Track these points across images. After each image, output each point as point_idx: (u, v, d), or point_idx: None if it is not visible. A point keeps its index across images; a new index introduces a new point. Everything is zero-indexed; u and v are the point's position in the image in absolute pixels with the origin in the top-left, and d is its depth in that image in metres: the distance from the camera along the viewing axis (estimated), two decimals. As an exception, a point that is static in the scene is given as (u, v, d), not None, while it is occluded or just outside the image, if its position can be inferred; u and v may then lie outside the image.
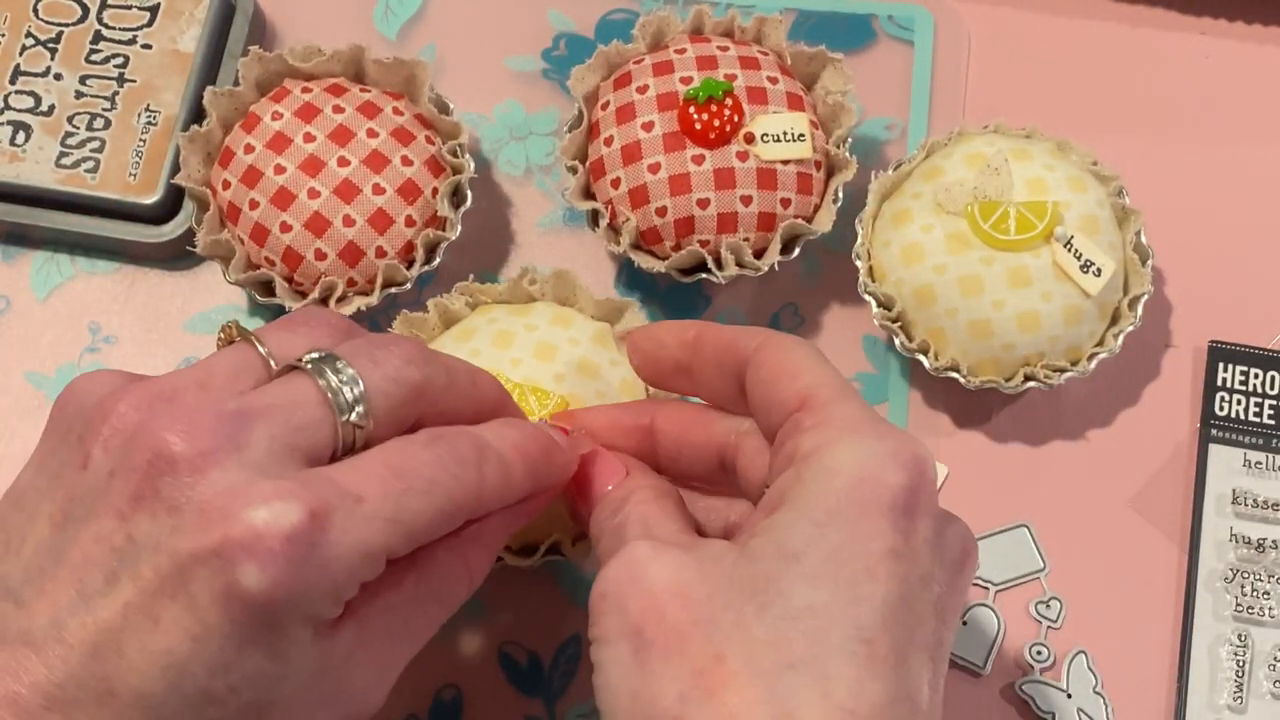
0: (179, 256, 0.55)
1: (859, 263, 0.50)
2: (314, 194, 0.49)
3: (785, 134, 0.50)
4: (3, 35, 0.56)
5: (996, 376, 0.49)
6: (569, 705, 0.49)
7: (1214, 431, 0.51)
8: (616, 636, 0.33)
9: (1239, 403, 0.52)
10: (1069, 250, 0.48)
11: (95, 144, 0.54)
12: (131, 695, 0.32)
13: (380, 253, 0.50)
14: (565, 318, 0.48)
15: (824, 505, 0.33)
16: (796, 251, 0.51)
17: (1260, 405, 0.51)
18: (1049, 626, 0.49)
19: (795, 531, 0.33)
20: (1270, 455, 0.51)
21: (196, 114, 0.54)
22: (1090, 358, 0.49)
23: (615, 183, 0.50)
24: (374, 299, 0.50)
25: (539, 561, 0.45)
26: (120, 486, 0.32)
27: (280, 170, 0.50)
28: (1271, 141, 0.57)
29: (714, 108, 0.49)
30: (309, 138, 0.50)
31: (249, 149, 0.50)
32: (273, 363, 0.35)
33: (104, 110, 0.55)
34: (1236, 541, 0.49)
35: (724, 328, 0.39)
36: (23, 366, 0.54)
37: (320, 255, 0.50)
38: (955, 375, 0.49)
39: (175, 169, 0.53)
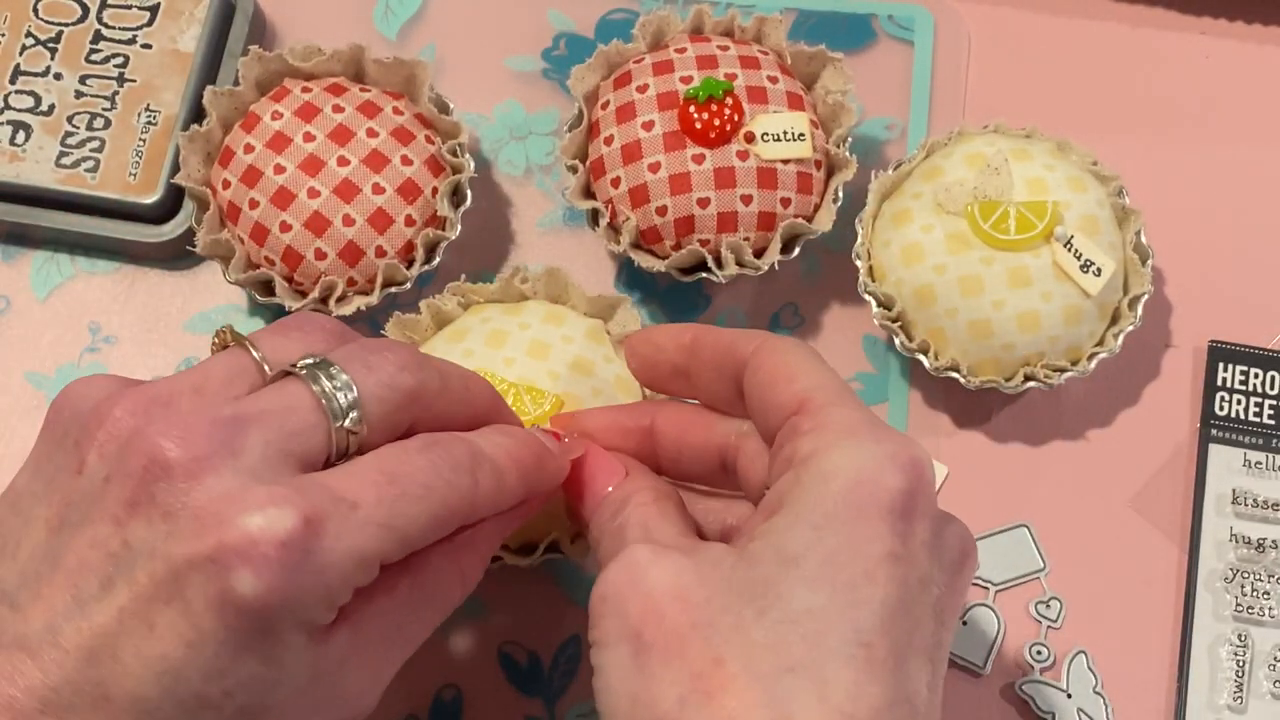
0: (179, 256, 0.55)
1: (859, 262, 0.50)
2: (314, 193, 0.49)
3: (785, 133, 0.50)
4: (3, 35, 0.56)
5: (996, 376, 0.49)
6: (569, 705, 0.49)
7: (1214, 431, 0.51)
8: (616, 639, 0.33)
9: (1239, 403, 0.52)
10: (1069, 250, 0.48)
11: (95, 144, 0.54)
12: (127, 700, 0.32)
13: (380, 252, 0.50)
14: (558, 315, 0.48)
15: (822, 509, 0.33)
16: (796, 251, 0.51)
17: (1260, 405, 0.51)
18: (1049, 626, 0.49)
19: (794, 535, 0.33)
20: (1270, 455, 0.51)
21: (196, 114, 0.54)
22: (1090, 358, 0.49)
23: (615, 182, 0.50)
24: (374, 298, 0.50)
25: (538, 560, 0.45)
26: (116, 492, 0.32)
27: (280, 170, 0.50)
28: (1271, 141, 0.57)
29: (714, 107, 0.49)
30: (309, 137, 0.50)
31: (249, 149, 0.50)
32: (267, 368, 0.36)
33: (104, 110, 0.55)
34: (1236, 541, 0.49)
35: (721, 331, 0.40)
36: (23, 366, 0.54)
37: (320, 255, 0.50)
38: (955, 375, 0.49)
39: (175, 169, 0.53)
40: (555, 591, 0.50)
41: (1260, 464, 0.51)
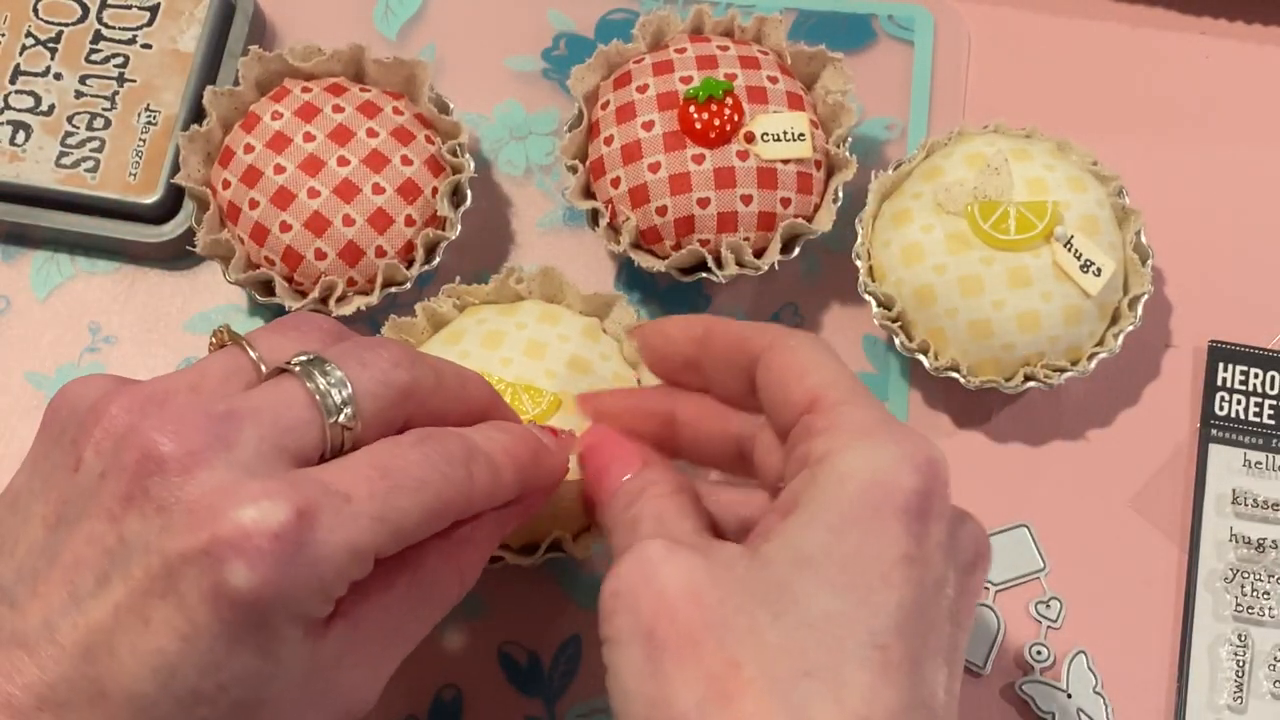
0: (179, 256, 0.55)
1: (859, 262, 0.50)
2: (314, 193, 0.49)
3: (785, 133, 0.50)
4: (3, 35, 0.56)
5: (996, 376, 0.49)
6: (569, 705, 0.49)
7: (1214, 431, 0.51)
8: (629, 638, 0.33)
9: (1239, 403, 0.52)
10: (1069, 250, 0.48)
11: (95, 144, 0.54)
12: (123, 696, 0.32)
13: (380, 252, 0.50)
14: (553, 315, 0.48)
15: (838, 510, 0.33)
16: (796, 251, 0.51)
17: (1260, 405, 0.51)
18: (1049, 626, 0.49)
19: (809, 536, 0.33)
20: (1270, 455, 0.51)
21: (196, 114, 0.54)
22: (1090, 358, 0.49)
23: (615, 182, 0.50)
24: (374, 298, 0.50)
25: (540, 560, 0.45)
26: (111, 487, 0.33)
27: (280, 170, 0.50)
28: (1271, 141, 0.57)
29: (714, 107, 0.49)
30: (309, 137, 0.50)
31: (249, 149, 0.50)
32: (263, 366, 0.36)
33: (104, 110, 0.55)
34: (1236, 541, 0.49)
35: (732, 324, 0.39)
36: (23, 366, 0.54)
37: (320, 255, 0.50)
38: (955, 375, 0.49)
39: (175, 169, 0.53)
40: (556, 591, 0.50)
41: (1260, 464, 0.51)
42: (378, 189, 0.50)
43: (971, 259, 0.48)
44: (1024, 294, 0.48)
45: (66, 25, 0.56)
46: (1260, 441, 0.51)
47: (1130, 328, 0.49)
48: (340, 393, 0.34)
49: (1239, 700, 0.47)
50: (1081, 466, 0.51)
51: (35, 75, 0.55)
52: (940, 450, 0.34)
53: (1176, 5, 0.59)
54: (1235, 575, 0.49)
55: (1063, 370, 0.49)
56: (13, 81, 0.55)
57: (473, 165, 0.52)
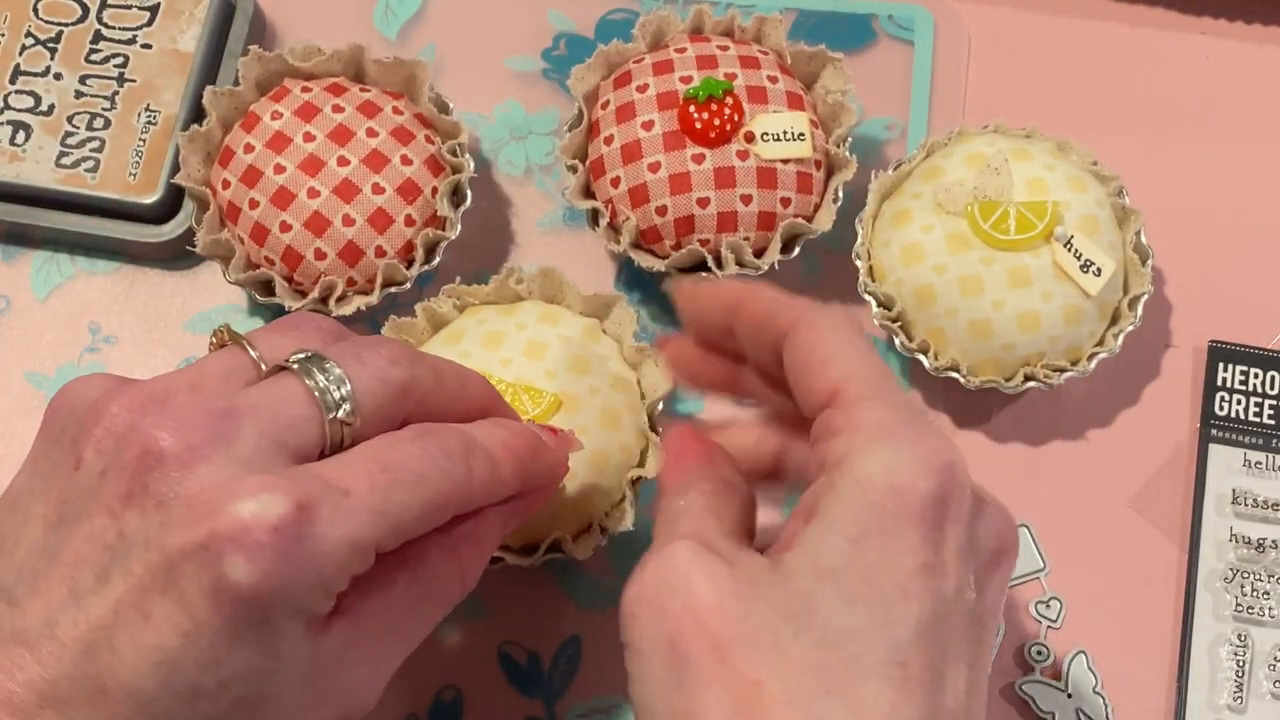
0: (179, 256, 0.55)
1: (859, 262, 0.50)
2: (314, 193, 0.49)
3: (785, 133, 0.50)
4: (3, 35, 0.56)
5: (996, 376, 0.49)
6: (569, 705, 0.48)
7: (1214, 431, 0.51)
8: (651, 647, 0.33)
9: (1239, 403, 0.51)
10: (1069, 250, 0.48)
11: (95, 144, 0.54)
12: (124, 692, 0.32)
13: (380, 252, 0.50)
14: (553, 315, 0.48)
15: (857, 520, 0.33)
16: (796, 251, 0.51)
17: (1260, 405, 0.51)
18: (1049, 626, 0.49)
19: (830, 547, 0.33)
20: (1270, 455, 0.51)
21: (196, 113, 0.54)
22: (1090, 358, 0.49)
23: (615, 182, 0.50)
24: (374, 298, 0.50)
25: (540, 560, 0.45)
26: (111, 485, 0.33)
27: (280, 170, 0.50)
28: (1271, 141, 0.57)
29: (714, 107, 0.49)
30: (309, 137, 0.50)
31: (249, 148, 0.50)
32: (262, 365, 0.36)
33: (104, 110, 0.55)
34: (1236, 541, 0.49)
35: (765, 294, 0.39)
36: (23, 366, 0.54)
37: (320, 255, 0.49)
38: (955, 375, 0.49)
39: (175, 169, 0.53)
40: (556, 591, 0.50)
41: (1260, 464, 0.51)
42: (377, 189, 0.50)
43: (971, 259, 0.48)
44: (1024, 294, 0.48)
45: (66, 25, 0.56)
46: (1260, 441, 0.51)
47: (1130, 328, 0.49)
48: (339, 389, 0.35)
49: (1239, 700, 0.47)
50: (1081, 466, 0.51)
51: (35, 75, 0.55)
52: (958, 451, 0.34)
53: (1176, 5, 0.59)
54: (1235, 575, 0.49)
55: (1063, 370, 0.49)
56: (13, 81, 0.55)
57: (473, 165, 0.52)
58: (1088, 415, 0.52)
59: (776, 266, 0.50)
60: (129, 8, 0.56)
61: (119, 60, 0.56)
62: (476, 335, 0.47)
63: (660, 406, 0.47)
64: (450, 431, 0.36)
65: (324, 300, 0.50)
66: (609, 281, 0.55)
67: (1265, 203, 0.55)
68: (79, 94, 0.55)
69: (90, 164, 0.54)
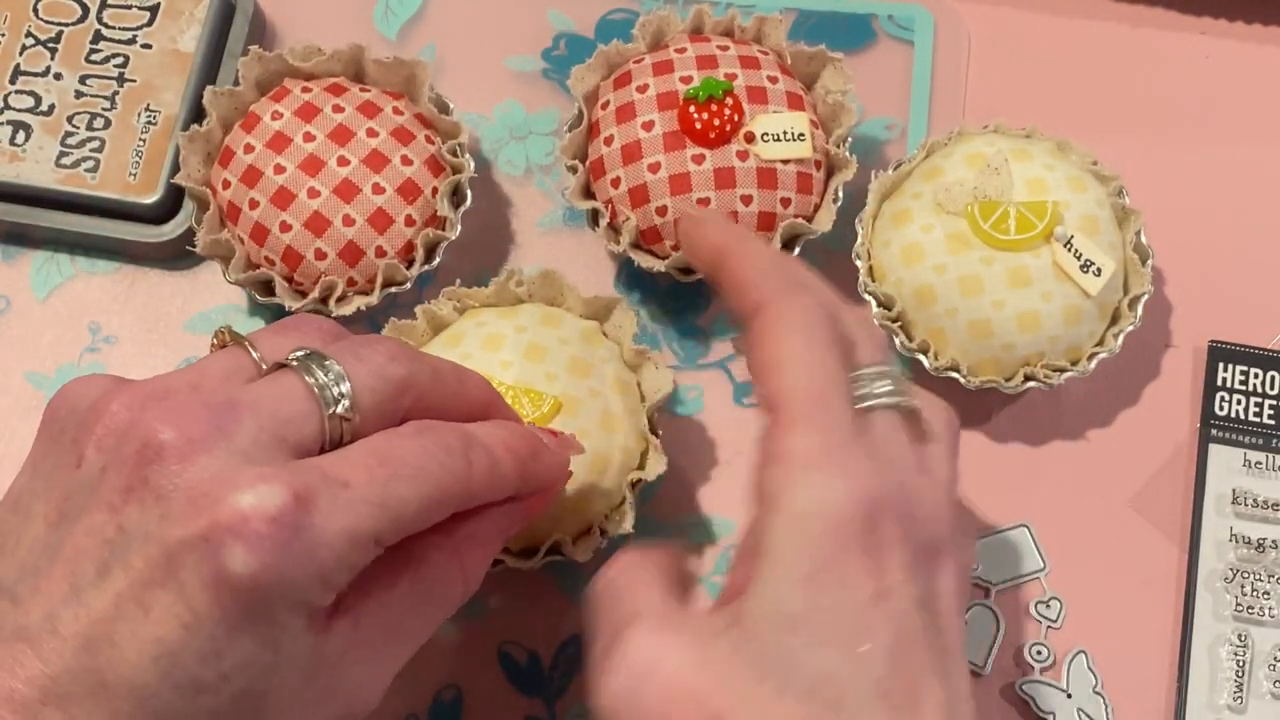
0: (179, 256, 0.55)
1: (859, 262, 0.50)
2: (314, 193, 0.49)
3: (785, 133, 0.50)
4: (3, 35, 0.56)
5: (996, 376, 0.49)
6: (569, 705, 0.49)
7: (1214, 431, 0.51)
8: None
9: (1239, 403, 0.52)
10: (1069, 250, 0.48)
11: (95, 144, 0.54)
12: (124, 686, 0.32)
13: (380, 252, 0.50)
14: (554, 318, 0.48)
15: (802, 561, 0.33)
16: (796, 251, 0.51)
17: (1260, 405, 0.51)
18: (1049, 626, 0.49)
19: (784, 593, 0.33)
20: (1270, 455, 0.51)
21: (196, 114, 0.54)
22: (1090, 358, 0.49)
23: (615, 182, 0.50)
24: (374, 298, 0.50)
25: (540, 563, 0.46)
26: (112, 479, 0.33)
27: (280, 170, 0.50)
28: (1271, 141, 0.57)
29: (714, 107, 0.49)
30: (309, 137, 0.50)
31: (249, 148, 0.50)
32: (263, 365, 0.36)
33: (104, 110, 0.55)
34: (1236, 541, 0.49)
35: (748, 257, 0.39)
36: (23, 366, 0.54)
37: (320, 255, 0.50)
38: (955, 375, 0.49)
39: (175, 169, 0.53)
40: (555, 592, 0.50)
41: (1260, 464, 0.51)
42: (378, 189, 0.50)
43: (971, 259, 0.48)
44: (1024, 294, 0.48)
45: (66, 25, 0.56)
46: (1260, 441, 0.51)
47: (1130, 328, 0.49)
48: (338, 385, 0.35)
49: (1239, 700, 0.47)
50: (1081, 466, 0.51)
51: (35, 75, 0.55)
52: (884, 475, 0.35)
53: (1176, 5, 0.59)
54: (1235, 575, 0.49)
55: (1063, 370, 0.49)
56: (13, 81, 0.55)
57: (473, 165, 0.52)
58: (1088, 415, 0.52)
59: (776, 267, 0.50)
60: (129, 8, 0.56)
61: (119, 60, 0.56)
62: (477, 338, 0.47)
63: (660, 409, 0.47)
64: (450, 428, 0.36)
65: (324, 300, 0.50)
66: (609, 281, 0.55)
67: (1265, 203, 0.55)
68: (79, 94, 0.55)
69: (90, 164, 0.54)
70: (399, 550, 0.36)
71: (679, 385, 0.52)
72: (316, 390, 0.34)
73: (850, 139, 0.51)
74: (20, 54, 0.56)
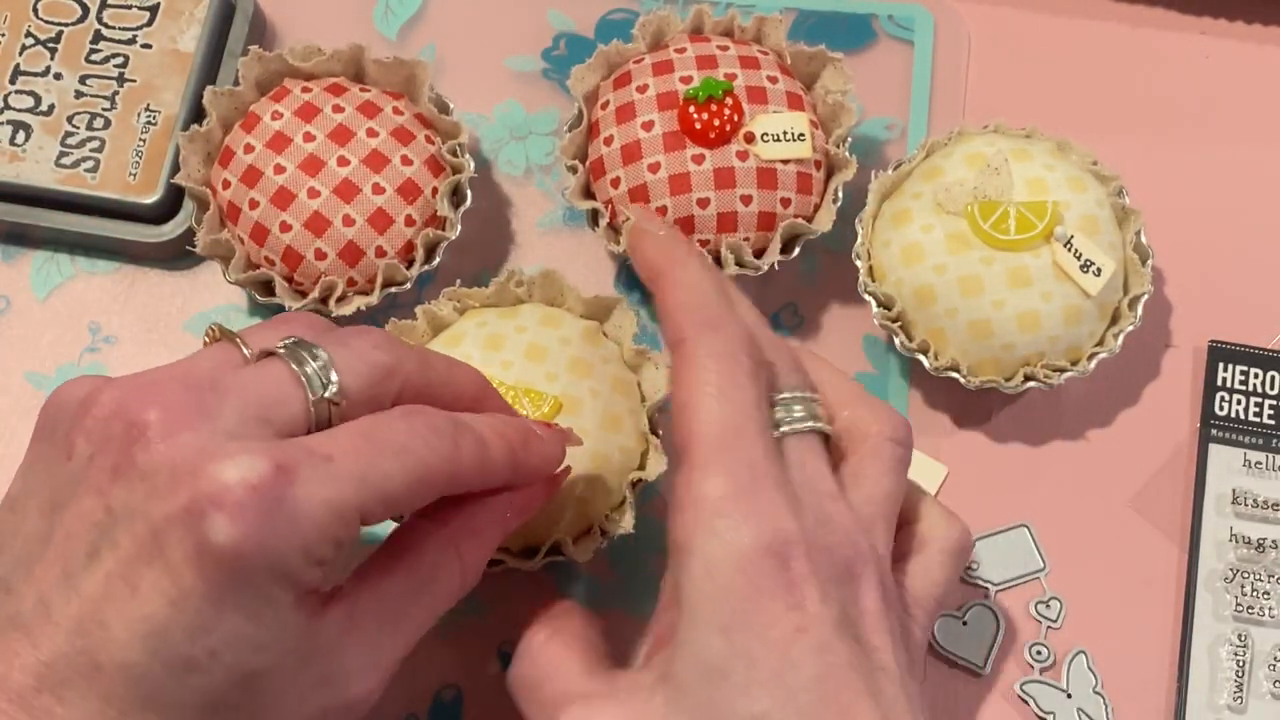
0: (179, 256, 0.55)
1: (859, 262, 0.50)
2: (314, 193, 0.49)
3: (785, 133, 0.50)
4: (3, 35, 0.56)
5: (996, 376, 0.49)
6: (569, 705, 0.48)
7: (1214, 431, 0.51)
8: None
9: (1239, 403, 0.52)
10: (1069, 250, 0.48)
11: (95, 144, 0.54)
12: (115, 668, 0.32)
13: (380, 252, 0.50)
14: (554, 318, 0.48)
15: (720, 610, 0.34)
16: (796, 251, 0.51)
17: (1260, 405, 0.51)
18: (1049, 626, 0.49)
19: (706, 644, 0.34)
20: (1270, 455, 0.51)
21: (196, 114, 0.54)
22: (1090, 358, 0.49)
23: (615, 182, 0.50)
24: (374, 298, 0.50)
25: (540, 563, 0.46)
26: (100, 463, 0.33)
27: (280, 170, 0.50)
28: (1271, 141, 0.57)
29: (714, 107, 0.49)
30: (309, 137, 0.50)
31: (249, 149, 0.50)
32: (251, 357, 0.36)
33: (104, 110, 0.55)
34: (1236, 541, 0.49)
35: (675, 285, 0.39)
36: (23, 366, 0.54)
37: (320, 255, 0.50)
38: (955, 375, 0.49)
39: (175, 169, 0.53)
40: (555, 591, 0.50)
41: (1260, 464, 0.51)
42: (378, 189, 0.50)
43: (971, 259, 0.48)
44: (1024, 294, 0.48)
45: (66, 25, 0.56)
46: (1260, 441, 0.51)
47: (1130, 328, 0.49)
48: (323, 369, 0.35)
49: (1239, 700, 0.47)
50: (1081, 466, 0.51)
51: (35, 75, 0.55)
52: (793, 509, 0.35)
53: (1176, 5, 0.59)
54: (1235, 575, 0.49)
55: (1063, 370, 0.49)
56: (13, 81, 0.55)
57: (473, 165, 0.52)
58: (1088, 415, 0.52)
59: (776, 267, 0.50)
60: (129, 8, 0.56)
61: (119, 60, 0.56)
62: (477, 338, 0.47)
63: (661, 409, 0.47)
64: (438, 412, 0.37)
65: (324, 300, 0.50)
66: (609, 282, 0.55)
67: (1265, 203, 0.55)
68: (79, 94, 0.55)
69: (90, 164, 0.54)
70: (394, 539, 0.37)
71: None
72: (302, 375, 0.35)
73: (850, 139, 0.51)
74: (20, 54, 0.56)
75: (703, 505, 0.35)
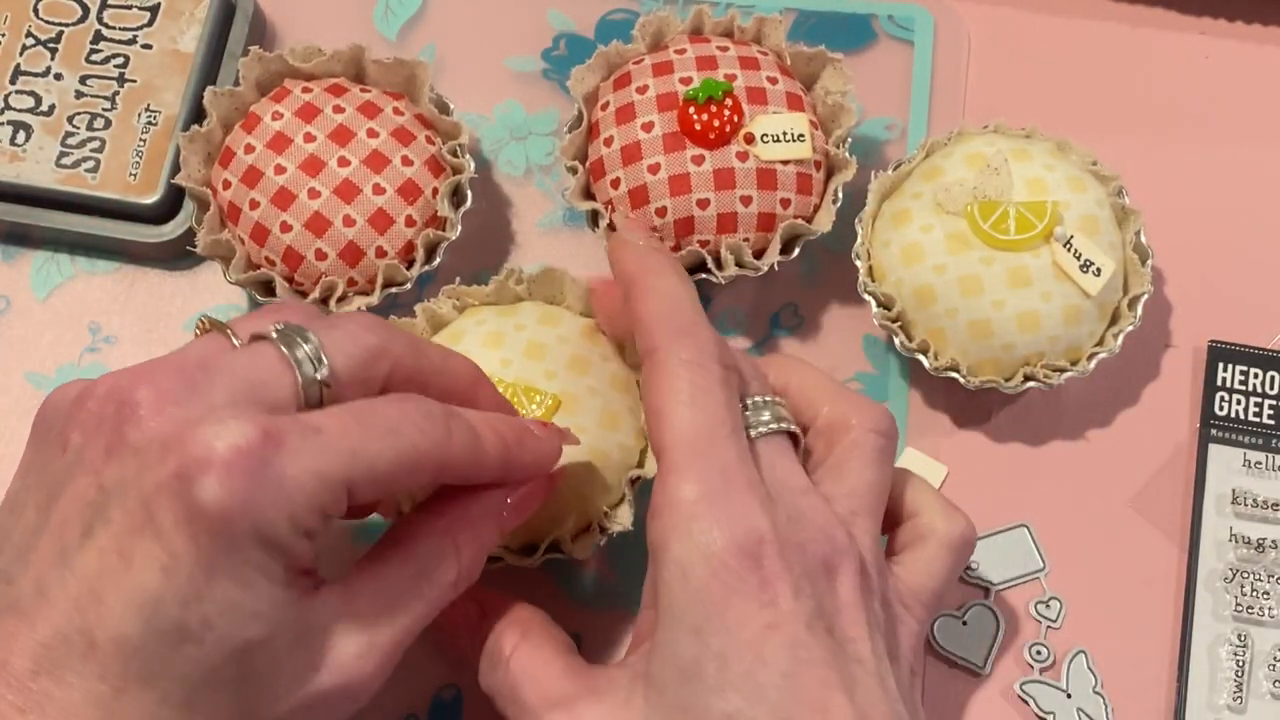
0: (179, 256, 0.55)
1: (859, 263, 0.50)
2: (314, 194, 0.49)
3: (785, 134, 0.50)
4: (3, 35, 0.56)
5: (996, 376, 0.49)
6: (569, 705, 0.48)
7: (1214, 431, 0.51)
8: None
9: (1239, 403, 0.52)
10: (1069, 250, 0.48)
11: (95, 144, 0.54)
12: (111, 644, 0.32)
13: (380, 253, 0.50)
14: (553, 316, 0.48)
15: (692, 611, 0.35)
16: (796, 251, 0.51)
17: (1260, 405, 0.51)
18: (1049, 626, 0.49)
19: (680, 645, 0.35)
20: (1270, 455, 0.51)
21: (197, 114, 0.54)
22: (1090, 358, 0.49)
23: (615, 183, 0.50)
24: (374, 299, 0.50)
25: (539, 561, 0.46)
26: (94, 446, 0.34)
27: (280, 170, 0.50)
28: (1271, 141, 0.57)
29: (714, 108, 0.49)
30: (309, 138, 0.50)
31: (249, 149, 0.50)
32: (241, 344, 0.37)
33: (104, 110, 0.55)
34: (1236, 541, 0.49)
35: (647, 295, 0.40)
36: (23, 366, 0.54)
37: (320, 255, 0.50)
38: (955, 375, 0.49)
39: (175, 169, 0.53)
40: (555, 591, 0.50)
41: (1260, 464, 0.51)
42: (378, 189, 0.50)
43: (971, 259, 0.48)
44: (1024, 294, 0.48)
45: (66, 25, 0.56)
46: (1260, 441, 0.51)
47: (1130, 328, 0.49)
48: (313, 352, 0.36)
49: (1239, 700, 0.47)
50: (1081, 466, 0.51)
51: (35, 75, 0.55)
52: (767, 508, 0.36)
53: (1176, 5, 0.59)
54: (1235, 575, 0.49)
55: (1063, 370, 0.49)
56: (13, 81, 0.55)
57: (473, 166, 0.52)
58: (1088, 415, 0.52)
59: (776, 267, 0.50)
60: (129, 8, 0.56)
61: (119, 60, 0.56)
62: (476, 336, 0.47)
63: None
64: (430, 400, 0.37)
65: (324, 300, 0.50)
66: (609, 282, 0.55)
67: (1265, 203, 0.55)
68: (79, 94, 0.55)
69: (90, 164, 0.54)
70: (391, 532, 0.38)
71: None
72: (292, 358, 0.35)
73: (850, 139, 0.51)
74: (20, 54, 0.56)
75: (678, 509, 0.36)
